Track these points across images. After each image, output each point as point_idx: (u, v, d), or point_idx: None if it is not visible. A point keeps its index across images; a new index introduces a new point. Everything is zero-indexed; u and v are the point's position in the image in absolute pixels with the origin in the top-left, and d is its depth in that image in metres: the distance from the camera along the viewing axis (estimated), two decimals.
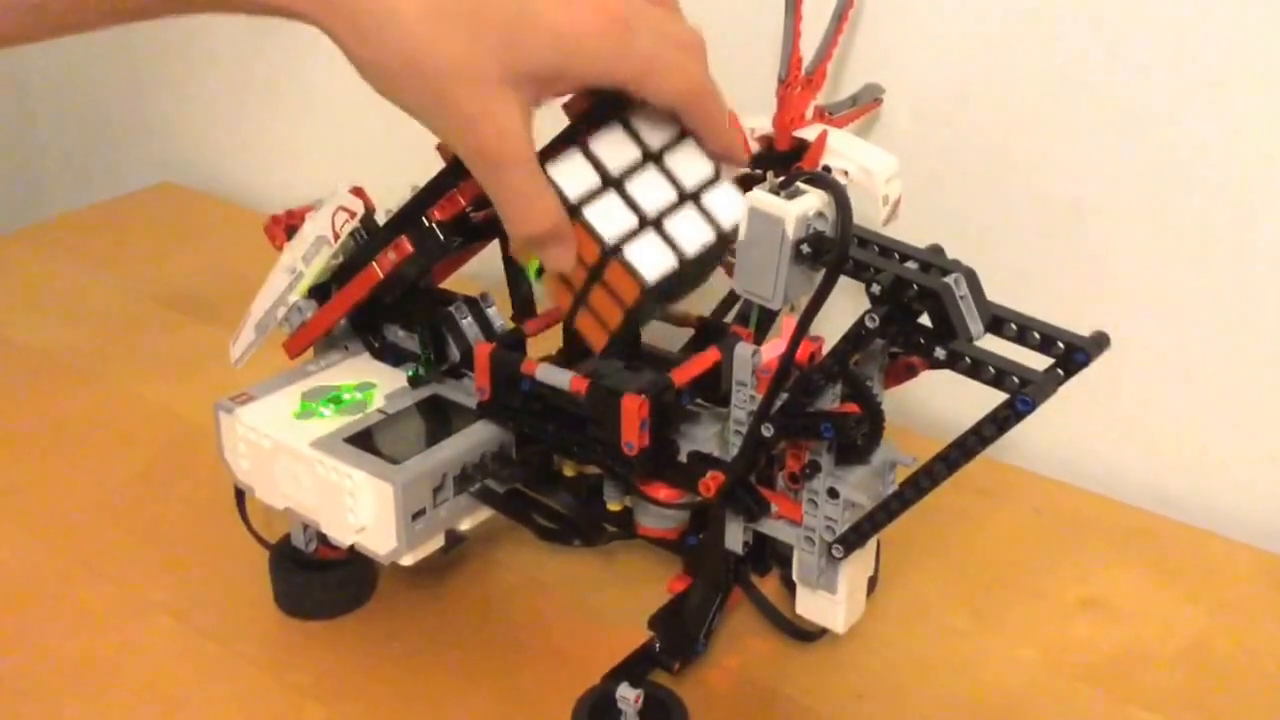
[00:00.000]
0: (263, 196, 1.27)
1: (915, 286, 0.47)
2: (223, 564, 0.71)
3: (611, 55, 0.49)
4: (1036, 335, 0.46)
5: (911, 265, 0.49)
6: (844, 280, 0.48)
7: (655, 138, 0.53)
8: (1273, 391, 0.75)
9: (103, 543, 0.73)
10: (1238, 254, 0.74)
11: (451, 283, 0.68)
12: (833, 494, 0.53)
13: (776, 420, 0.52)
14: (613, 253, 0.51)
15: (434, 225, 0.60)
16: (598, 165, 0.52)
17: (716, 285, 0.85)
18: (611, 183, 0.52)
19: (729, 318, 0.69)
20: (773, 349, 0.54)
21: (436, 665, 0.63)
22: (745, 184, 0.53)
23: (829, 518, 0.54)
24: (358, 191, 0.64)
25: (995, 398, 0.45)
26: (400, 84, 0.49)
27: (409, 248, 0.60)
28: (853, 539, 0.53)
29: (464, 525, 0.65)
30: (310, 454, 0.60)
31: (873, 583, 0.61)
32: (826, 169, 0.67)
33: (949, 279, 0.46)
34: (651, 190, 0.52)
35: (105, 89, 1.39)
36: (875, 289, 0.47)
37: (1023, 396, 0.44)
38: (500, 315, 0.66)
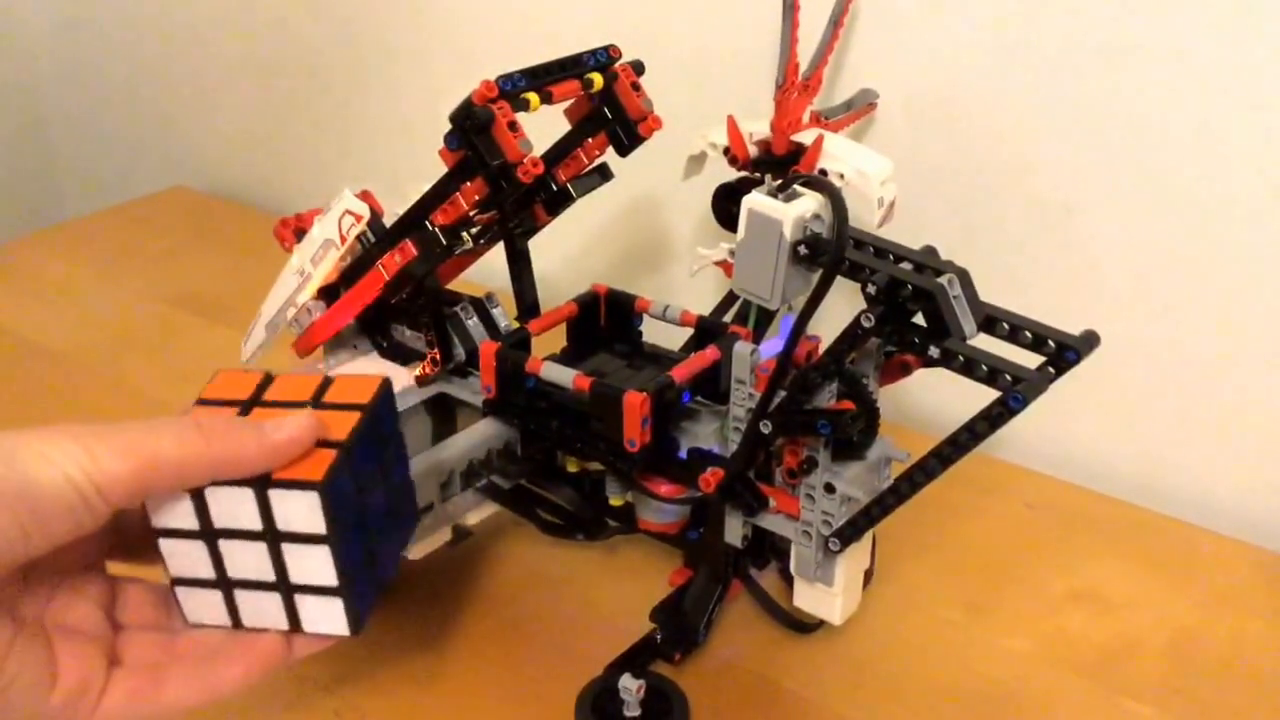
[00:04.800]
0: (273, 200, 1.29)
1: (910, 287, 0.48)
2: None
3: None
4: (1028, 334, 0.47)
5: (906, 266, 0.50)
6: (840, 280, 0.49)
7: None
8: (1259, 388, 0.76)
9: None
10: (1225, 253, 0.75)
11: (458, 284, 0.70)
12: (829, 489, 0.54)
13: (775, 417, 0.53)
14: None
15: (436, 229, 0.61)
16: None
17: (715, 285, 0.86)
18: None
19: (728, 317, 0.70)
20: (771, 347, 0.55)
21: (443, 657, 0.64)
22: (745, 187, 0.54)
23: (826, 512, 0.55)
24: (365, 195, 0.65)
25: (988, 395, 0.47)
26: None
27: (413, 250, 0.61)
28: (849, 533, 0.54)
29: (470, 520, 0.67)
30: None
31: (869, 575, 0.62)
32: (823, 172, 0.68)
33: (943, 279, 0.47)
34: (249, 559, 0.45)
35: (119, 95, 1.41)
36: (871, 289, 0.48)
37: (1015, 394, 0.45)
38: (505, 315, 0.67)
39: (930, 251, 0.51)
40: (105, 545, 0.47)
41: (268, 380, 0.48)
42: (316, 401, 0.46)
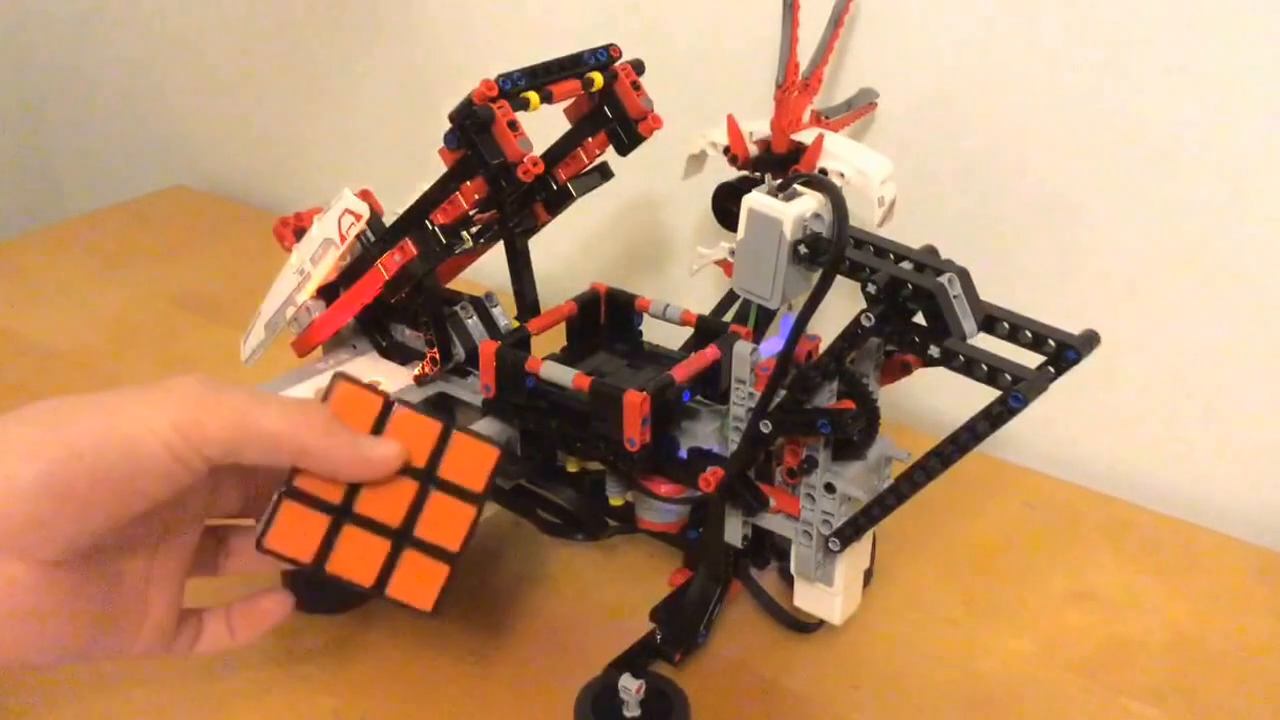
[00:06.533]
0: (272, 199, 1.29)
1: (910, 286, 0.48)
2: None
3: None
4: (1028, 334, 0.47)
5: (906, 265, 0.50)
6: (840, 280, 0.49)
7: None
8: (1258, 387, 0.76)
9: None
10: (1224, 253, 0.75)
11: (458, 284, 0.70)
12: (829, 489, 0.54)
13: (775, 417, 0.53)
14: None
15: (436, 229, 0.61)
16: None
17: (715, 285, 0.86)
18: None
19: (728, 317, 0.70)
20: (771, 347, 0.55)
21: (443, 657, 0.64)
22: (745, 186, 0.54)
23: (826, 512, 0.55)
24: (364, 194, 0.65)
25: (988, 394, 0.47)
26: None
27: (412, 250, 0.61)
28: (849, 533, 0.54)
29: None
30: None
31: (869, 575, 0.62)
32: (823, 171, 0.68)
33: (943, 278, 0.47)
34: None
35: (120, 94, 1.41)
36: (871, 288, 0.48)
37: (1015, 393, 0.45)
38: (505, 314, 0.67)
39: (930, 251, 0.51)
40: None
41: (387, 410, 0.50)
42: (432, 477, 0.51)
